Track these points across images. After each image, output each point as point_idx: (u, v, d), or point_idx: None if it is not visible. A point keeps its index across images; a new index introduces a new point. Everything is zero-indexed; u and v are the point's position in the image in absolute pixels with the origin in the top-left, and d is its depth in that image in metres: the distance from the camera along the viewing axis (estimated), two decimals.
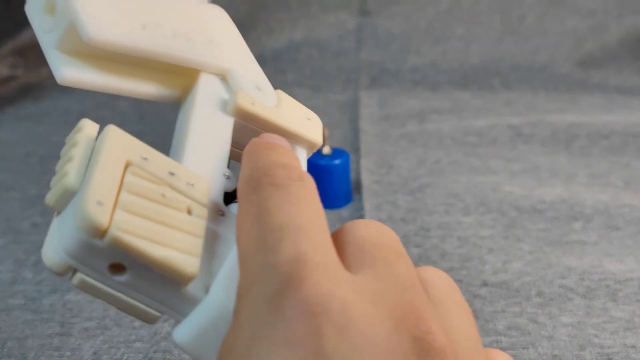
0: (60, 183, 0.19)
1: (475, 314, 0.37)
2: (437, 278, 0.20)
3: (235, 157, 0.24)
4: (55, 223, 0.20)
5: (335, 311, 0.16)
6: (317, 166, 0.46)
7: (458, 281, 0.39)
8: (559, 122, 0.60)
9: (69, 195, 0.19)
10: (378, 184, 0.50)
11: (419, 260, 0.41)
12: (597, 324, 0.36)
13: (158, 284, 0.19)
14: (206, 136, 0.22)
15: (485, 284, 0.39)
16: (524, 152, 0.55)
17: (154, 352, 0.35)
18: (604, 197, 0.48)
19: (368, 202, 0.47)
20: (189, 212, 0.20)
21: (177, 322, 0.20)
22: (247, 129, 0.24)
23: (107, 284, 0.19)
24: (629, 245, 0.42)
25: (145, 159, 0.20)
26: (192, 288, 0.19)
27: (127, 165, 0.19)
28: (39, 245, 0.44)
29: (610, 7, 0.74)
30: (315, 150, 0.25)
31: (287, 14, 0.77)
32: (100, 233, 0.18)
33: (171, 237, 0.19)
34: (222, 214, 0.21)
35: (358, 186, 0.50)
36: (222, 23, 0.26)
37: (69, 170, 0.19)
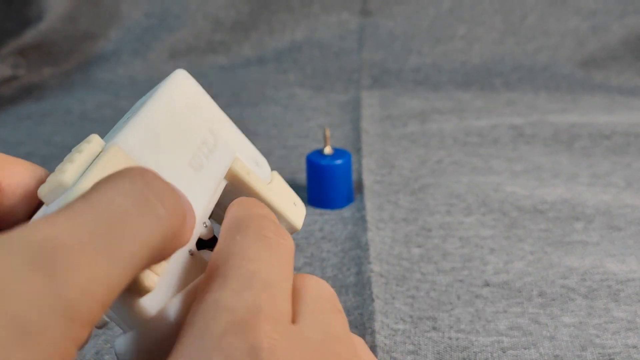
0: (56, 177, 0.20)
1: (477, 314, 0.37)
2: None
3: (214, 216, 0.25)
4: (40, 213, 0.21)
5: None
6: (319, 166, 0.46)
7: (459, 281, 0.39)
8: (561, 123, 0.60)
9: (60, 190, 0.19)
10: (380, 184, 0.50)
11: (421, 260, 0.41)
12: (599, 325, 0.36)
13: None
14: (198, 185, 0.23)
15: (486, 284, 0.39)
16: (526, 153, 0.55)
17: None
18: (605, 198, 0.48)
19: (370, 202, 0.47)
20: None
21: (123, 332, 0.20)
22: (236, 195, 0.24)
23: None
24: (631, 245, 0.43)
25: None
26: (145, 304, 0.20)
27: None
28: None
29: (611, 7, 0.74)
30: (292, 233, 0.26)
31: (289, 15, 0.77)
32: None
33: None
34: (192, 254, 0.22)
35: (360, 186, 0.50)
36: (197, 97, 0.26)
37: (67, 169, 0.20)
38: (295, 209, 0.26)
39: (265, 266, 0.20)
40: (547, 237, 0.43)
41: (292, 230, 0.26)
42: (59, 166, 0.20)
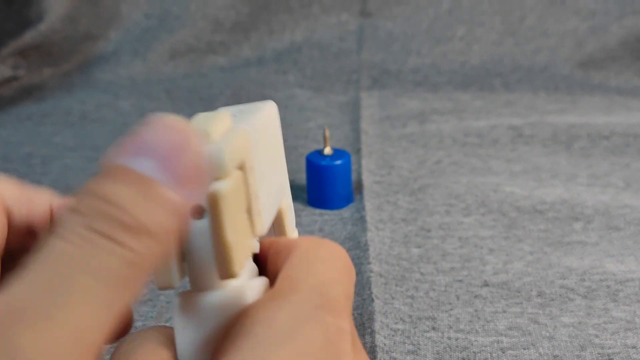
0: (202, 128, 0.19)
1: (476, 314, 0.37)
2: None
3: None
4: None
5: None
6: (319, 167, 0.46)
7: (459, 281, 0.39)
8: (560, 123, 0.60)
9: (204, 141, 0.19)
10: (379, 184, 0.50)
11: (420, 261, 0.41)
12: (598, 325, 0.36)
13: (206, 254, 0.19)
14: (271, 205, 0.24)
15: (486, 284, 0.39)
16: (525, 153, 0.55)
17: None
18: (604, 198, 0.48)
19: (369, 203, 0.47)
20: (253, 234, 0.21)
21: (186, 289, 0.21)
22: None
23: None
24: (630, 245, 0.43)
25: (252, 168, 0.21)
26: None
27: (243, 162, 0.20)
28: None
29: (610, 8, 0.74)
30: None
31: (289, 15, 0.77)
32: (218, 177, 0.18)
33: (240, 238, 0.20)
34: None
35: (359, 186, 0.50)
36: (277, 128, 0.27)
37: (212, 126, 0.20)
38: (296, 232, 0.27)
39: (317, 349, 0.18)
40: (546, 238, 0.43)
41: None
42: (197, 123, 0.20)
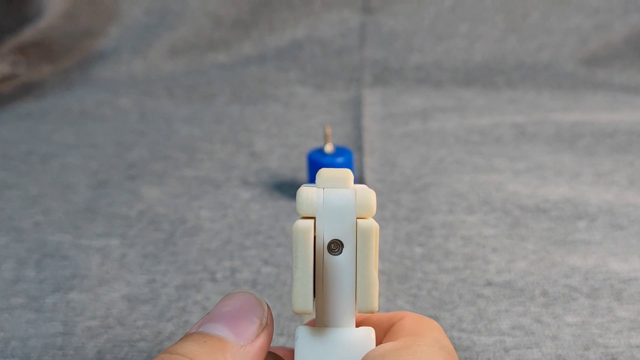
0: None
1: (479, 313, 0.36)
2: None
3: None
4: None
5: None
6: (320, 164, 0.46)
7: (461, 280, 0.39)
8: (563, 121, 0.59)
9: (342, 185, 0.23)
10: (381, 182, 0.50)
11: (422, 260, 0.41)
12: (602, 324, 0.36)
13: (344, 288, 0.21)
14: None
15: (489, 283, 0.39)
16: (528, 151, 0.55)
17: (158, 351, 0.34)
18: (608, 196, 0.47)
19: None
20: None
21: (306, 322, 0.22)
22: None
23: (320, 251, 0.21)
24: (634, 244, 0.42)
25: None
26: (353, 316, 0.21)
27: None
28: (41, 244, 0.44)
29: (614, 5, 0.74)
30: None
31: (290, 12, 0.77)
32: (366, 216, 0.21)
33: (377, 278, 0.21)
34: None
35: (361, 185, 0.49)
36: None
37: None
38: None
39: None
40: (549, 236, 0.43)
41: None
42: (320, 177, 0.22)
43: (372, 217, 0.21)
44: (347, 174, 0.22)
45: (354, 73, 0.71)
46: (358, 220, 0.21)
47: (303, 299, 0.20)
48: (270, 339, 0.21)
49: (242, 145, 0.57)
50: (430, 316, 0.36)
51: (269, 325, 0.21)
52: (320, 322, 0.21)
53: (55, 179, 0.52)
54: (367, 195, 0.21)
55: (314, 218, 0.21)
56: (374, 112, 0.63)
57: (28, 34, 0.75)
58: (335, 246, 0.21)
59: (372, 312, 0.20)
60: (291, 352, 0.25)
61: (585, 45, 0.72)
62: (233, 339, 0.20)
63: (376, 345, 0.21)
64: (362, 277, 0.20)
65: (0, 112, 0.66)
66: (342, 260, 0.20)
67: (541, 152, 0.55)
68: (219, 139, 0.58)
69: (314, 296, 0.21)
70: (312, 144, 0.56)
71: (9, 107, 0.67)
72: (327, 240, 0.21)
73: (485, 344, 0.34)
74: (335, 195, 0.21)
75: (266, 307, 0.21)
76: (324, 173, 0.22)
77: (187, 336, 0.20)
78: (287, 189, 0.50)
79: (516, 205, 0.46)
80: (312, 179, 0.47)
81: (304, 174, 0.51)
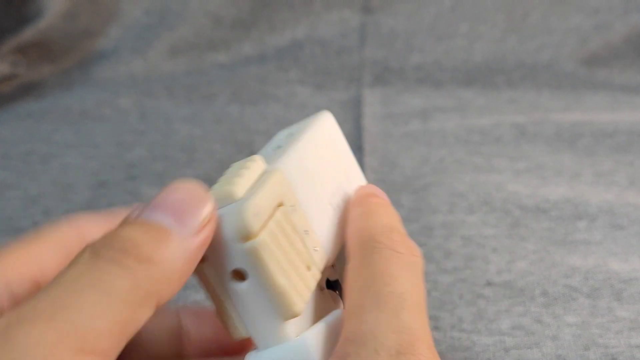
0: (225, 188, 0.21)
1: (479, 313, 0.36)
2: None
3: None
4: None
5: None
6: None
7: (461, 281, 0.39)
8: (564, 121, 0.59)
9: (228, 200, 0.21)
10: (381, 182, 0.50)
11: (423, 259, 0.41)
12: (602, 324, 0.36)
13: (262, 308, 0.20)
14: (333, 224, 0.24)
15: (489, 283, 0.39)
16: (528, 151, 0.55)
17: None
18: (608, 196, 0.47)
19: None
20: (309, 268, 0.22)
21: (256, 348, 0.21)
22: None
23: (222, 285, 0.21)
24: (634, 244, 0.42)
25: (293, 207, 0.22)
26: (287, 326, 0.21)
27: (279, 205, 0.21)
28: None
29: (615, 4, 0.74)
30: None
31: (290, 12, 0.77)
32: (247, 237, 0.20)
33: (293, 276, 0.21)
34: (322, 289, 0.23)
35: None
36: (337, 141, 0.28)
37: (236, 182, 0.21)
38: None
39: (410, 285, 0.21)
40: (549, 236, 0.43)
41: None
42: (223, 178, 0.22)
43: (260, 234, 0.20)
44: (237, 174, 0.21)
45: (354, 73, 0.71)
46: (241, 245, 0.20)
47: (230, 328, 0.21)
48: (211, 236, 0.20)
49: (243, 145, 0.57)
50: (430, 316, 0.36)
51: (212, 221, 0.20)
52: (259, 346, 0.21)
53: (55, 179, 0.52)
54: (237, 216, 0.20)
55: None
56: (374, 112, 0.63)
57: (28, 34, 0.75)
58: (238, 275, 0.20)
59: (296, 316, 0.20)
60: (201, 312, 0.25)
61: (585, 45, 0.72)
62: (177, 229, 0.19)
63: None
64: (268, 291, 0.20)
65: (0, 112, 0.67)
66: (249, 286, 0.20)
67: (541, 152, 0.55)
68: (219, 138, 0.58)
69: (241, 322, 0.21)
70: None
71: (8, 107, 0.67)
72: (229, 271, 0.20)
73: (485, 344, 0.34)
74: (220, 223, 0.20)
75: (213, 201, 0.20)
76: (213, 192, 0.21)
77: (127, 222, 0.19)
78: None
79: (516, 205, 0.46)
80: None
81: None
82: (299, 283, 0.21)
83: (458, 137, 0.57)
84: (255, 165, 0.22)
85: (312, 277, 0.22)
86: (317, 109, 0.68)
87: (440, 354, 0.34)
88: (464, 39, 0.73)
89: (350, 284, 0.21)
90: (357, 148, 0.55)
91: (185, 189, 0.20)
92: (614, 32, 0.72)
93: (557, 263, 0.40)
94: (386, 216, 0.23)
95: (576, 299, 0.37)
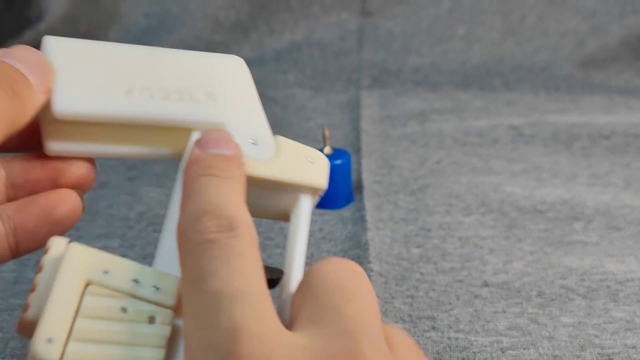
0: (22, 316, 0.19)
1: (476, 314, 0.37)
2: (398, 339, 0.20)
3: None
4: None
5: None
6: None
7: (459, 281, 0.39)
8: (560, 123, 0.60)
9: (32, 328, 0.19)
10: (379, 184, 0.50)
11: (420, 261, 0.41)
12: (598, 325, 0.36)
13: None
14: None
15: (486, 284, 0.39)
16: (525, 153, 0.55)
17: None
18: (604, 198, 0.48)
19: (369, 202, 0.47)
20: (152, 320, 0.19)
21: None
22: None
23: None
24: (630, 245, 0.43)
25: (106, 272, 0.19)
26: None
27: (87, 284, 0.19)
28: None
29: (611, 7, 0.74)
30: (321, 194, 0.24)
31: (289, 15, 0.77)
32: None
33: (129, 356, 0.18)
34: None
35: (359, 186, 0.50)
36: (232, 74, 0.26)
37: (30, 302, 0.19)
38: (314, 167, 0.25)
39: (226, 277, 0.18)
40: (546, 238, 0.43)
41: (318, 191, 0.24)
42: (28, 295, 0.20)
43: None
44: (26, 315, 0.19)
45: (352, 75, 0.71)
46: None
47: None
48: (47, 100, 0.23)
49: None
50: (428, 317, 0.37)
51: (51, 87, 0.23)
52: None
53: None
54: (30, 354, 0.18)
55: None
56: (372, 114, 0.63)
57: (28, 37, 0.75)
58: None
59: None
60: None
61: (582, 47, 0.72)
62: (34, 80, 0.22)
63: None
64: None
65: None
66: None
67: (538, 153, 0.55)
68: None
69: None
70: (311, 146, 0.56)
71: None
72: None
73: (482, 344, 0.35)
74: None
75: (53, 69, 0.23)
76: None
77: None
78: None
79: (513, 207, 0.47)
80: None
81: None
82: (141, 355, 0.19)
83: (455, 139, 0.58)
84: (49, 258, 0.20)
85: (161, 326, 0.19)
86: (316, 111, 0.69)
87: (438, 354, 0.34)
88: (461, 42, 0.74)
89: (182, 302, 0.18)
90: (355, 150, 0.55)
91: (32, 51, 0.23)
92: (610, 35, 0.72)
93: (554, 264, 0.41)
94: (200, 193, 0.19)
95: (572, 300, 0.38)
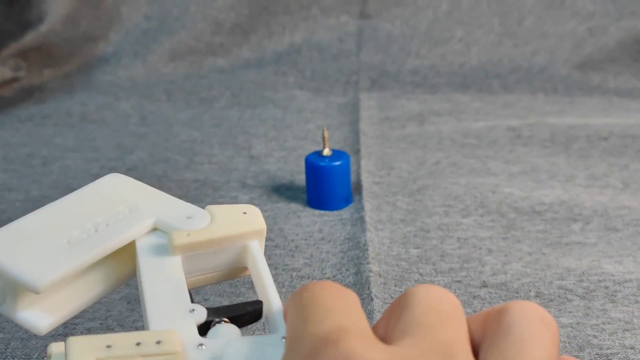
0: None
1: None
2: None
3: (193, 285, 0.27)
4: None
5: None
6: (318, 167, 0.46)
7: (457, 282, 0.40)
8: (558, 124, 0.60)
9: None
10: (378, 185, 0.51)
11: (419, 261, 0.42)
12: (596, 325, 0.36)
13: None
14: (161, 288, 0.25)
15: (484, 284, 0.39)
16: (523, 154, 0.55)
17: None
18: (602, 199, 0.48)
19: (368, 204, 0.47)
20: None
21: None
22: (197, 255, 0.26)
23: None
24: (628, 246, 0.43)
25: (109, 346, 0.21)
26: None
27: None
28: None
29: (608, 9, 0.74)
30: (264, 235, 0.27)
31: (288, 17, 0.77)
32: None
33: None
34: (202, 345, 0.22)
35: (358, 187, 0.50)
36: (125, 186, 0.29)
37: None
38: (248, 217, 0.27)
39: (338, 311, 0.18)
40: (544, 238, 0.44)
41: (260, 233, 0.27)
42: None
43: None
44: None
45: (351, 77, 0.72)
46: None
47: None
48: None
49: (241, 148, 0.58)
50: None
51: None
52: None
53: (56, 181, 0.53)
54: None
55: None
56: (371, 115, 0.64)
57: (29, 38, 0.76)
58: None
59: None
60: None
61: (579, 49, 0.72)
62: None
63: None
64: None
65: (1, 115, 0.67)
66: None
67: (536, 155, 0.55)
68: (218, 142, 0.59)
69: None
70: (310, 147, 0.57)
71: (10, 111, 0.68)
72: None
73: None
74: None
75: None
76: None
77: None
78: (285, 191, 0.50)
79: (511, 208, 0.47)
80: (310, 182, 0.48)
81: (302, 176, 0.52)
82: None
83: (454, 141, 0.58)
84: (56, 355, 0.22)
85: None
86: (315, 112, 0.69)
87: None
88: (460, 44, 0.74)
89: None
90: (355, 151, 0.56)
91: None
92: (608, 37, 0.73)
93: (552, 265, 0.41)
94: (324, 318, 0.19)
95: (571, 300, 0.38)
